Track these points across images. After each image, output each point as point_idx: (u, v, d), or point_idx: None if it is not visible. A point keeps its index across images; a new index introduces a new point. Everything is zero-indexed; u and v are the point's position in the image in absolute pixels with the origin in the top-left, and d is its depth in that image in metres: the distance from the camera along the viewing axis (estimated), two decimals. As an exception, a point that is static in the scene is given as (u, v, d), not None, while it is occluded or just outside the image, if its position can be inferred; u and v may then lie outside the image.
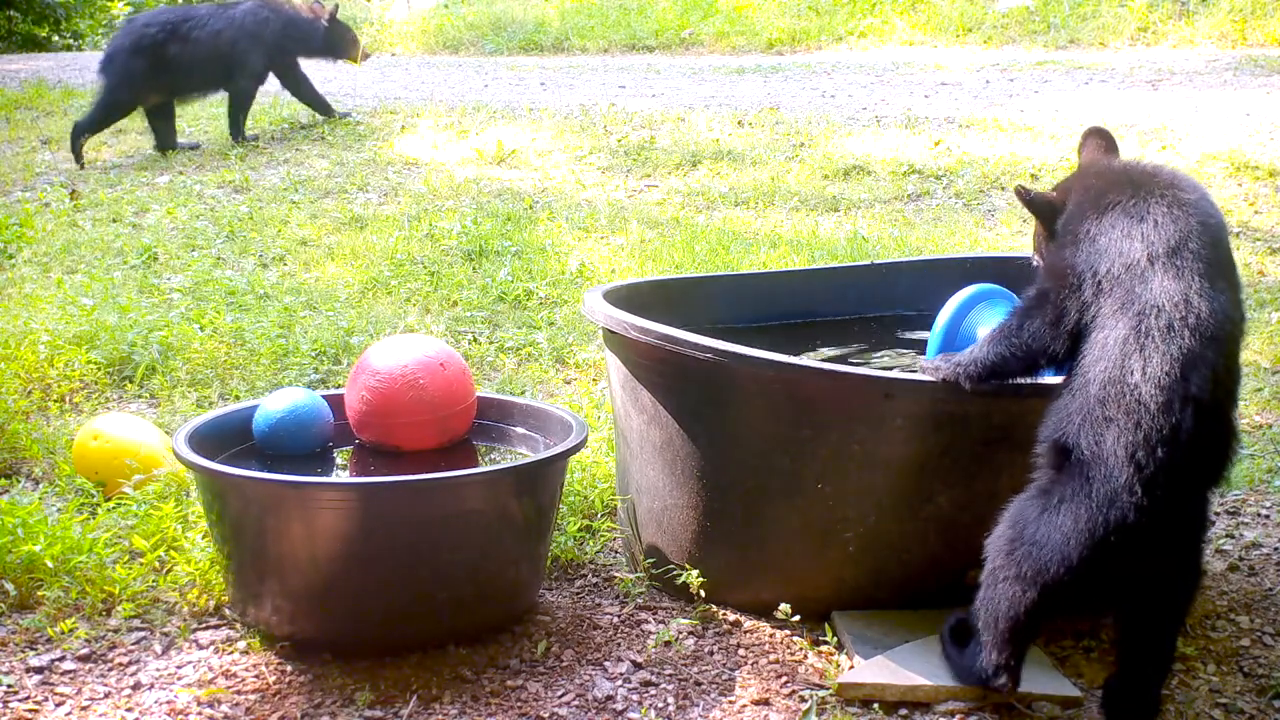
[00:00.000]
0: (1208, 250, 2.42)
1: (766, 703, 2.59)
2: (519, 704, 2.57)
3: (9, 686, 2.59)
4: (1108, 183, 2.59)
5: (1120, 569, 2.32)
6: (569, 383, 4.30)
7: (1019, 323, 2.54)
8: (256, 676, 2.64)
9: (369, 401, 2.91)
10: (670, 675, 2.68)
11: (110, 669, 2.68)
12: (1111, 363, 2.31)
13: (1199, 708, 2.56)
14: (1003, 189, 6.56)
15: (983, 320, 2.99)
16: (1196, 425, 2.26)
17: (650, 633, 2.85)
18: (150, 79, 7.54)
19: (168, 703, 2.55)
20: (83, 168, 7.40)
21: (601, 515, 3.36)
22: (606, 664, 2.72)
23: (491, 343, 4.62)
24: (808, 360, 3.14)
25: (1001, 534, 2.43)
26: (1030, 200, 2.67)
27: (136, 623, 2.84)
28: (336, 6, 8.08)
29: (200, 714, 2.52)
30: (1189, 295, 2.33)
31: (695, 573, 2.86)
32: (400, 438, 2.93)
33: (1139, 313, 2.33)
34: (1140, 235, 2.42)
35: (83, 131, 7.50)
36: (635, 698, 2.60)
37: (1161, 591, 2.40)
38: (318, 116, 8.34)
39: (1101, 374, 2.32)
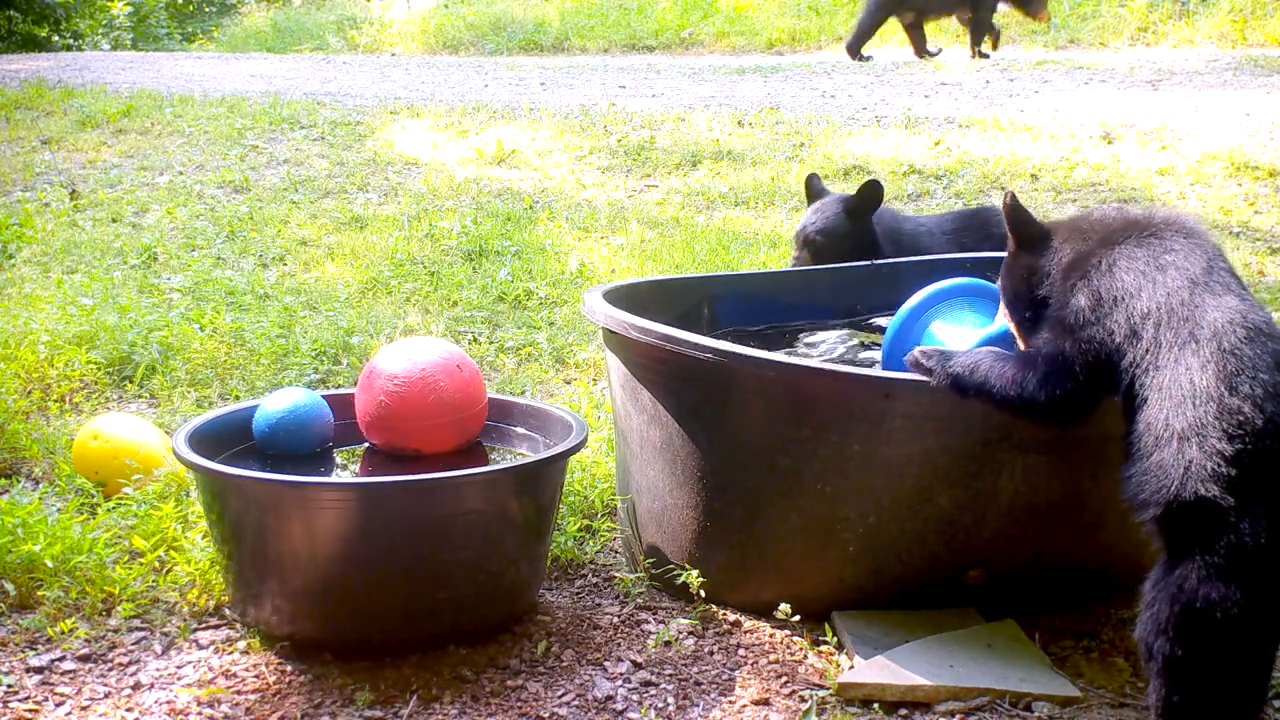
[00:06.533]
0: (1230, 269, 2.39)
1: (766, 703, 2.59)
2: (519, 704, 2.57)
3: (9, 686, 2.59)
4: (1106, 227, 2.51)
5: None
6: (569, 383, 4.30)
7: (1035, 380, 2.43)
8: (256, 676, 2.64)
9: (387, 406, 2.88)
10: (670, 675, 2.68)
11: (110, 669, 2.68)
12: (1207, 398, 2.17)
13: (1199, 708, 2.56)
14: (1003, 189, 6.55)
15: (941, 317, 2.97)
16: None
17: (650, 633, 2.85)
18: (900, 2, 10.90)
19: (168, 703, 2.55)
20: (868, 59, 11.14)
21: (601, 515, 3.36)
22: (606, 664, 2.72)
23: (491, 343, 4.63)
24: (808, 360, 3.15)
25: (1166, 620, 2.20)
26: (1015, 212, 2.58)
27: (136, 623, 2.84)
28: None
29: (200, 714, 2.52)
30: (1246, 309, 2.27)
31: (695, 573, 2.85)
32: (420, 440, 2.92)
33: (1214, 336, 2.22)
34: (1172, 264, 2.35)
35: (860, 42, 11.23)
36: (635, 698, 2.60)
37: None
38: (318, 116, 8.33)
39: (1202, 411, 2.17)
